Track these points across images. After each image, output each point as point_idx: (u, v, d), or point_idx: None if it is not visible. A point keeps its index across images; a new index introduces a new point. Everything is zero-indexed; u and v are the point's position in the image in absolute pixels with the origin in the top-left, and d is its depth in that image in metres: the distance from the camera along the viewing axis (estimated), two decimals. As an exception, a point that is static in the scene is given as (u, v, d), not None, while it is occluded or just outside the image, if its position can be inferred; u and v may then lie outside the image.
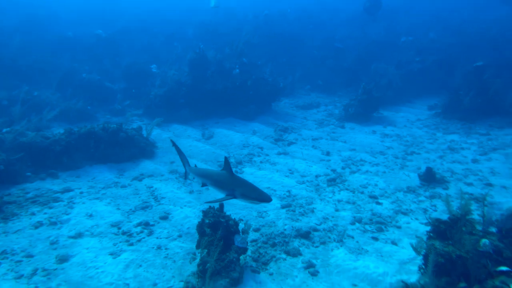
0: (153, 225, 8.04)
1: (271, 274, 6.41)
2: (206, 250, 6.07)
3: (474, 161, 11.41)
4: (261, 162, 11.90)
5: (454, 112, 15.87)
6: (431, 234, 5.89)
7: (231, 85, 16.82)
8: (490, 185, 9.65)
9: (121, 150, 11.72)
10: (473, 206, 8.00)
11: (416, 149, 12.76)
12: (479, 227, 5.91)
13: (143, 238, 7.52)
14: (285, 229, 7.84)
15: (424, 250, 5.70)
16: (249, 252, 6.80)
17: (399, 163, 11.55)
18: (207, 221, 6.39)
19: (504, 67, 17.38)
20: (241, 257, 6.45)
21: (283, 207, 8.96)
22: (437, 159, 11.78)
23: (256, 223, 8.07)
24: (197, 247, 6.42)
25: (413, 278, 5.91)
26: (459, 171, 10.67)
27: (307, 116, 17.40)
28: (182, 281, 6.15)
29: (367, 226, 7.97)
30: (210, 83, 16.75)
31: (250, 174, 10.92)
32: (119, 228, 7.88)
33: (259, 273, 6.44)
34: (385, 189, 9.78)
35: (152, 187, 9.99)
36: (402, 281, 5.70)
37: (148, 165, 11.52)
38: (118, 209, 8.79)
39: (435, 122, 15.69)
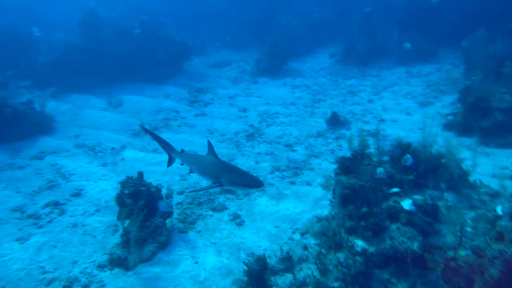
0: (64, 204, 7.54)
1: (199, 232, 6.66)
2: (129, 220, 5.99)
3: (370, 101, 12.85)
4: (178, 126, 11.68)
5: (351, 58, 17.30)
6: (338, 171, 6.68)
7: (135, 47, 15.60)
8: (383, 120, 11.08)
9: (10, 128, 10.31)
10: (371, 141, 9.23)
11: (322, 96, 13.81)
12: (375, 159, 6.88)
13: (54, 218, 7.06)
14: (209, 189, 8.12)
15: (333, 186, 6.45)
16: (175, 215, 6.92)
17: (309, 111, 12.44)
18: (126, 191, 6.24)
19: (389, 10, 18.84)
20: (168, 220, 6.55)
21: (205, 167, 9.16)
22: (340, 103, 12.98)
23: (180, 186, 8.12)
24: (118, 218, 6.28)
25: (325, 211, 6.72)
26: (358, 112, 11.96)
27: (220, 75, 17.27)
28: (106, 253, 6.05)
29: (285, 173, 8.63)
30: (109, 46, 15.27)
31: (168, 139, 10.68)
32: (22, 212, 7.24)
33: (187, 232, 6.63)
34: (299, 137, 10.56)
35: (57, 164, 9.19)
36: (316, 216, 6.47)
37: (49, 141, 10.44)
38: (19, 192, 7.98)
39: (336, 69, 16.98)
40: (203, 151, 10.25)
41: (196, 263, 5.88)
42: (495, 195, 6.20)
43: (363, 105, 12.54)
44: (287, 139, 10.52)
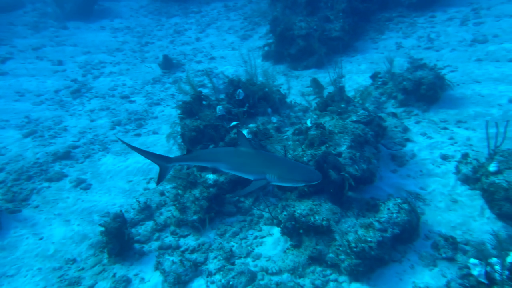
0: None
1: (36, 207, 6.12)
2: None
3: (198, 39, 13.10)
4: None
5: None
6: (182, 115, 7.00)
7: None
8: (213, 58, 11.64)
9: None
10: (206, 80, 9.75)
11: (149, 38, 13.17)
12: (213, 98, 7.46)
13: None
14: (38, 158, 7.21)
15: (180, 131, 6.78)
16: (-1, 196, 6.08)
17: (138, 57, 11.80)
18: None
19: None
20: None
21: (26, 135, 7.95)
22: (169, 44, 12.76)
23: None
24: None
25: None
26: (189, 52, 12.12)
27: (13, 21, 13.94)
28: None
29: (127, 126, 8.37)
30: None
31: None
32: None
33: (20, 211, 6.01)
34: (134, 86, 10.11)
35: None
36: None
37: None
38: None
39: (157, 7, 16.13)
40: (16, 118, 8.72)
41: (41, 239, 5.52)
42: (305, 110, 7.84)
43: (192, 44, 12.71)
44: (121, 90, 9.93)
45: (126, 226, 5.03)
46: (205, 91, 8.29)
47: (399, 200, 4.48)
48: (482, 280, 3.13)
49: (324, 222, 4.33)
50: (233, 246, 4.91)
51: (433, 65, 7.19)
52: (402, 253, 4.32)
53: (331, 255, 4.23)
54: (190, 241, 5.13)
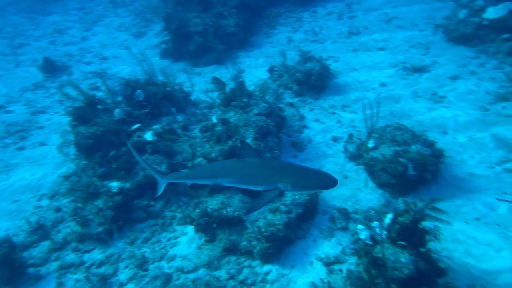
0: None
1: None
2: None
3: (84, 38, 11.96)
4: None
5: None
6: (74, 122, 6.34)
7: None
8: (105, 58, 10.79)
9: None
10: (99, 83, 8.97)
11: (23, 39, 11.52)
12: (109, 101, 6.93)
13: None
14: None
15: (74, 139, 6.14)
16: None
17: (12, 61, 10.26)
18: None
19: None
20: None
21: None
22: (50, 45, 11.37)
23: None
24: None
25: (72, 166, 6.36)
26: (75, 53, 11.00)
27: None
28: None
29: (6, 140, 7.27)
30: None
31: None
32: None
33: None
34: (10, 94, 8.78)
35: None
36: (62, 176, 6.11)
37: None
38: None
39: (29, 4, 14.17)
40: None
41: None
42: (210, 106, 7.86)
43: (78, 44, 11.56)
44: (-7, 100, 8.54)
45: (15, 251, 4.47)
46: (99, 94, 7.66)
47: (301, 183, 4.83)
48: (368, 242, 3.61)
49: (236, 213, 4.46)
50: (145, 252, 4.72)
51: (319, 56, 7.91)
52: (306, 230, 4.70)
53: (244, 243, 4.38)
54: (96, 255, 4.77)
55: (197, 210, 4.62)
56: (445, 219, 3.54)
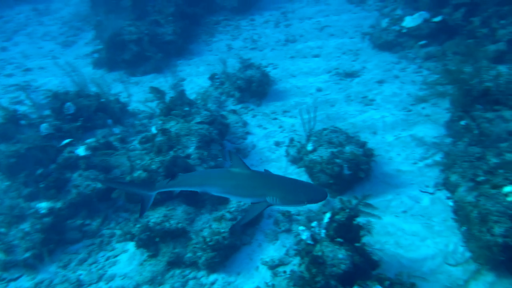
0: None
1: None
2: None
3: (3, 49, 10.92)
4: None
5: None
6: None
7: None
8: (29, 69, 9.91)
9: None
10: (23, 96, 8.20)
11: None
12: (33, 115, 6.37)
13: None
14: None
15: None
16: None
17: None
18: None
19: None
20: None
21: None
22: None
23: None
24: None
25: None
26: (-7, 64, 9.98)
27: None
28: None
29: None
30: None
31: None
32: None
33: None
34: None
35: None
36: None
37: None
38: None
39: None
40: None
41: None
42: (150, 116, 7.59)
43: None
44: None
45: None
46: (23, 108, 7.02)
47: (245, 189, 4.85)
48: (309, 242, 3.72)
49: (179, 225, 4.32)
50: (80, 274, 4.40)
51: (258, 64, 8.05)
52: (251, 235, 4.70)
53: (189, 254, 4.26)
54: (24, 282, 4.36)
55: (138, 225, 4.40)
56: (377, 214, 3.77)
